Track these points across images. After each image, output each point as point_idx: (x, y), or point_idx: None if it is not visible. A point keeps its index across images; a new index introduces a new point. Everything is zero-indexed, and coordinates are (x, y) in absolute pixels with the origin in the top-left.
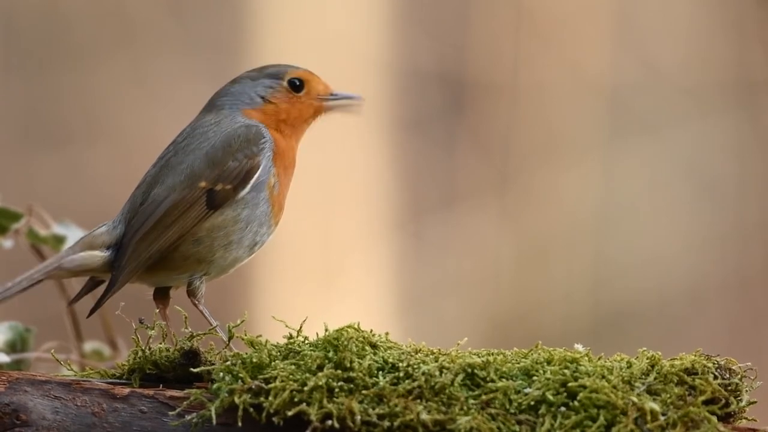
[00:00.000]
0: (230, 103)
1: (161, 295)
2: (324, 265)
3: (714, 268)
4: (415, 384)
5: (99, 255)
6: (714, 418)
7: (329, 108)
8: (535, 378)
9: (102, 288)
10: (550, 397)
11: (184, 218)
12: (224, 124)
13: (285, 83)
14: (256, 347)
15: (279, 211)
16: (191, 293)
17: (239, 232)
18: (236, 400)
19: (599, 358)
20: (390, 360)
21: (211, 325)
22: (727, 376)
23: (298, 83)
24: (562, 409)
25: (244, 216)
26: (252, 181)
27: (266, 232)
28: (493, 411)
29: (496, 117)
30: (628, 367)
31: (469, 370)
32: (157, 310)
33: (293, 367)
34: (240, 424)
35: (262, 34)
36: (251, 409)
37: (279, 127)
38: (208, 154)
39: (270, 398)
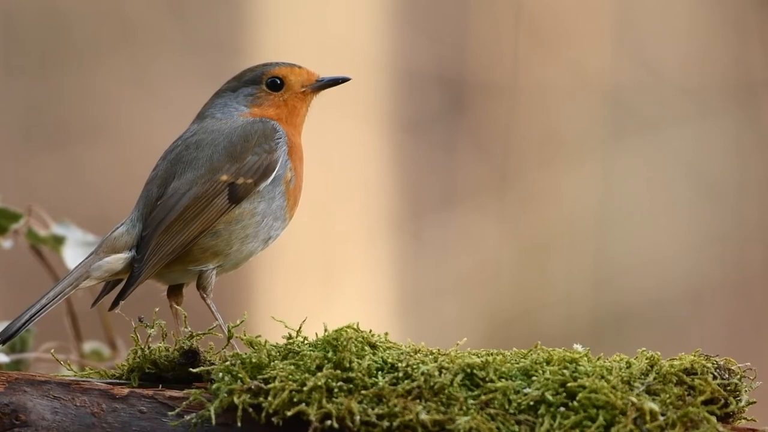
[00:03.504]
0: (220, 113)
1: (174, 293)
2: (324, 265)
3: (714, 268)
4: (415, 384)
5: (124, 257)
6: (713, 419)
7: (318, 91)
8: (534, 378)
9: (116, 287)
10: (550, 398)
11: (207, 211)
12: (236, 121)
13: (264, 86)
14: (256, 347)
15: (294, 205)
16: (201, 286)
17: (255, 226)
18: (235, 400)
19: (598, 359)
20: (389, 360)
21: (217, 320)
22: (727, 376)
23: (278, 82)
24: (562, 409)
25: (261, 209)
26: (272, 176)
27: (280, 226)
28: (492, 411)
29: (496, 117)
30: (627, 368)
31: (469, 371)
32: (168, 307)
33: (292, 367)
34: (239, 424)
35: (262, 35)
36: (250, 410)
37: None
38: (226, 148)
39: (269, 398)
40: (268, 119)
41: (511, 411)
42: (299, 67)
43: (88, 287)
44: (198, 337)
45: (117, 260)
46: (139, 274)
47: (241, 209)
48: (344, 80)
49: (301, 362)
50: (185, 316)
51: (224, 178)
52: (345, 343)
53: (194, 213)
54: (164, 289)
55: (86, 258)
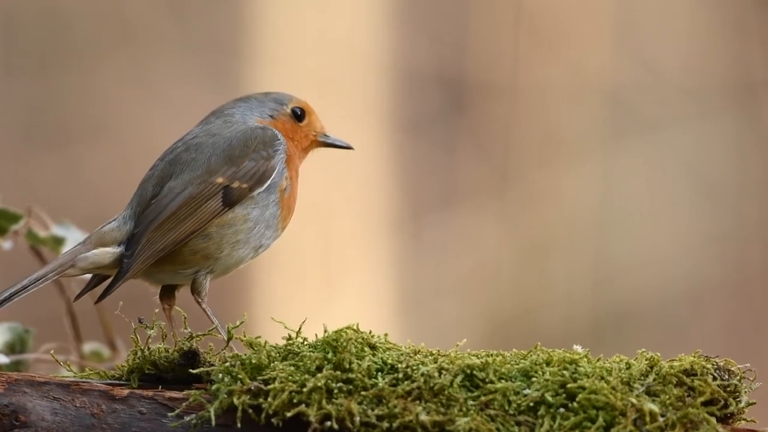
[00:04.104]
0: (241, 113)
1: (167, 296)
2: (324, 265)
3: (713, 268)
4: (414, 385)
5: (111, 252)
6: (713, 419)
7: (321, 145)
8: (534, 379)
9: (102, 283)
10: (549, 398)
11: (200, 212)
12: (239, 126)
13: (288, 110)
14: (255, 348)
15: (288, 215)
16: (195, 291)
17: (247, 232)
18: (235, 401)
19: (598, 359)
20: (389, 361)
21: (213, 323)
22: (726, 377)
23: (299, 112)
24: (561, 410)
25: (253, 216)
26: (267, 183)
27: (271, 236)
28: (492, 412)
29: (496, 117)
30: (627, 368)
31: (468, 371)
32: (161, 310)
33: (292, 368)
34: (239, 425)
35: (262, 35)
36: (250, 411)
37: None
38: (225, 151)
39: (269, 399)
40: (270, 127)
41: (511, 412)
42: (317, 114)
43: (73, 277)
44: (198, 338)
45: (104, 254)
46: (127, 269)
47: (234, 214)
48: (348, 147)
49: (301, 363)
50: (185, 317)
51: (220, 180)
52: (345, 344)
53: (187, 213)
54: (156, 291)
55: (74, 247)
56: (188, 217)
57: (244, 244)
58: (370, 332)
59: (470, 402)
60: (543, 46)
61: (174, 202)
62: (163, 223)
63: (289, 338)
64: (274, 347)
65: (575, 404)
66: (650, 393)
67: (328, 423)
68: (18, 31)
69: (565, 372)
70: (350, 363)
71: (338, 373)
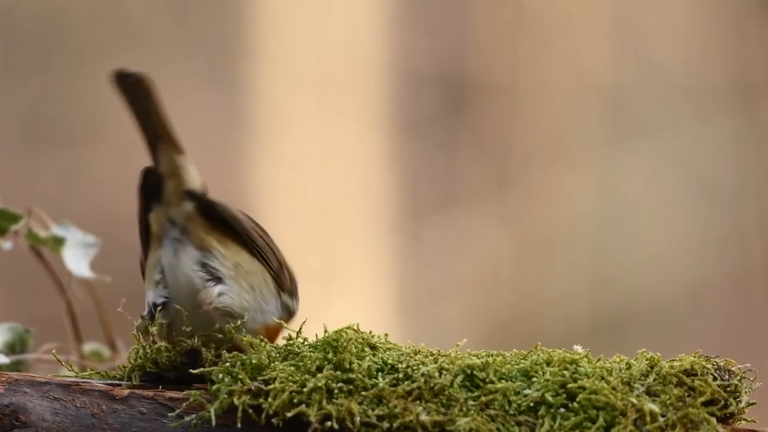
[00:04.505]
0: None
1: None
2: (323, 266)
3: (713, 268)
4: (415, 385)
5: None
6: (713, 420)
7: None
8: (534, 379)
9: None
10: (550, 399)
11: (265, 240)
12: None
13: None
14: (256, 348)
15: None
16: (205, 297)
17: (252, 291)
18: (235, 401)
19: (598, 360)
20: (389, 361)
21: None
22: (727, 377)
23: None
24: (562, 410)
25: (257, 302)
26: (293, 301)
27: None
28: (492, 412)
29: (496, 118)
30: (627, 369)
31: (469, 372)
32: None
33: (293, 368)
34: (239, 425)
35: (262, 35)
36: (250, 411)
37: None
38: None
39: (269, 399)
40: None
41: (511, 412)
42: None
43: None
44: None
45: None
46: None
47: (270, 279)
48: None
49: (301, 363)
50: (185, 316)
51: (282, 258)
52: (345, 344)
53: (263, 232)
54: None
55: None
56: (257, 233)
57: (246, 291)
58: (371, 332)
59: (470, 402)
60: (543, 45)
61: (257, 227)
62: (246, 216)
63: (290, 338)
64: (275, 347)
65: (575, 404)
66: (650, 393)
67: (329, 423)
68: (18, 31)
69: (565, 372)
70: (350, 363)
71: (338, 373)
